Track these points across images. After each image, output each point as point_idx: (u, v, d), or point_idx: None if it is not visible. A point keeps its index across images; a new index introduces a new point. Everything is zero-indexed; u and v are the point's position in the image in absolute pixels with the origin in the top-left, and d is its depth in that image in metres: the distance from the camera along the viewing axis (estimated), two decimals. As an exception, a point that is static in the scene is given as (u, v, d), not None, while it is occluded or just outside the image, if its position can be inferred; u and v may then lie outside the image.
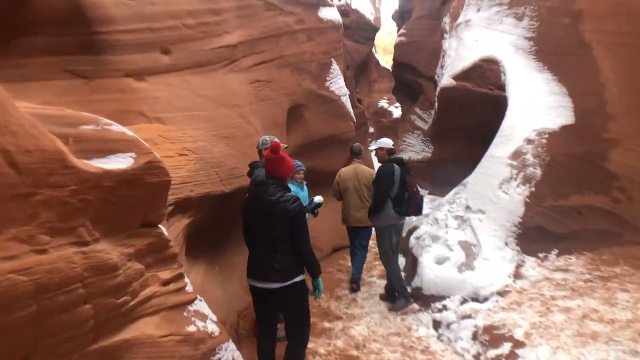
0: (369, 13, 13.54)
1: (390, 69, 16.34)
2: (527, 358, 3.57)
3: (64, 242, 1.67)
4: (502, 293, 4.61)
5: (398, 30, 14.42)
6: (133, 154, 2.10)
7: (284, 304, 3.38)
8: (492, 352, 3.81)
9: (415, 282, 5.18)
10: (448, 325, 4.47)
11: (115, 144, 2.06)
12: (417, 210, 5.21)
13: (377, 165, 5.72)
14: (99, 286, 1.82)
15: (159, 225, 2.41)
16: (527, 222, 5.31)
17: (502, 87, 6.72)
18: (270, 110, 6.09)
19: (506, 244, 5.20)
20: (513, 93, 6.36)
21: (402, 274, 5.64)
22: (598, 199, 5.52)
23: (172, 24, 4.76)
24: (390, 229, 5.16)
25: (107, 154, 2.00)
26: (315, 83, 7.26)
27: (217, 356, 2.48)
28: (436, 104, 9.07)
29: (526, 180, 5.50)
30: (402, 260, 6.07)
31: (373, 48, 18.24)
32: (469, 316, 4.40)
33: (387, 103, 20.07)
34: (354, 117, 8.25)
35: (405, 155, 11.26)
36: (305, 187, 5.09)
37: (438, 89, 8.78)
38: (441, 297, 4.83)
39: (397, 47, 13.23)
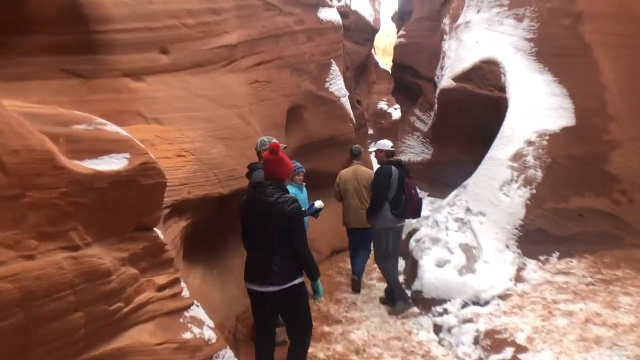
0: (368, 14, 13.49)
1: (390, 71, 16.30)
2: (530, 363, 3.52)
3: (53, 247, 1.61)
4: (503, 296, 4.56)
5: (397, 32, 14.38)
6: (127, 155, 2.03)
7: (283, 308, 3.33)
8: (494, 357, 3.75)
9: (416, 285, 5.13)
10: (449, 330, 4.41)
11: (109, 144, 1.99)
12: (416, 213, 5.16)
13: (377, 167, 5.68)
14: (90, 293, 1.76)
15: (155, 229, 2.34)
16: (528, 225, 5.26)
17: (502, 89, 6.68)
18: (270, 111, 6.04)
19: (507, 246, 5.15)
20: (513, 94, 6.32)
21: (402, 276, 5.59)
22: (599, 201, 5.48)
23: (171, 23, 4.71)
24: (388, 231, 5.11)
25: (100, 154, 1.93)
26: (314, 84, 7.22)
27: (214, 363, 2.42)
28: (436, 105, 9.03)
29: (527, 182, 5.46)
30: (402, 263, 6.02)
31: (372, 49, 18.20)
32: (470, 320, 4.34)
33: (387, 105, 20.05)
34: (354, 119, 8.20)
35: (404, 157, 11.22)
36: (304, 189, 5.04)
37: (438, 90, 8.73)
38: (442, 301, 4.77)
39: (397, 48, 13.19)
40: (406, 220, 5.39)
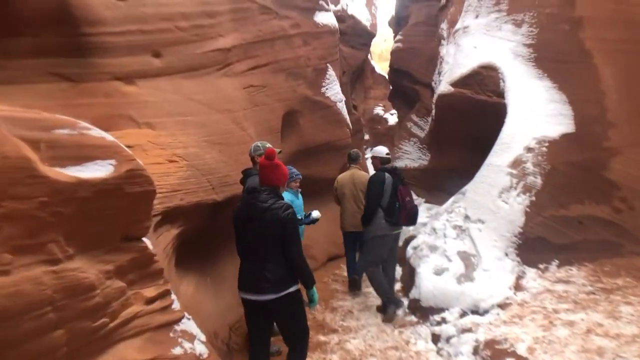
0: (365, 19, 13.49)
1: (386, 76, 16.27)
2: (532, 376, 3.43)
3: (30, 261, 1.50)
4: (502, 305, 4.47)
5: (395, 37, 14.36)
6: (113, 162, 1.92)
7: (279, 316, 3.23)
8: (495, 369, 3.66)
9: (413, 294, 5.03)
10: (448, 339, 4.31)
11: (94, 150, 1.88)
12: (410, 221, 5.08)
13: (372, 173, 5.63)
14: (72, 309, 1.65)
15: (143, 239, 2.23)
16: (527, 232, 5.19)
17: (501, 94, 6.62)
18: (265, 116, 5.95)
19: (506, 254, 5.06)
20: (512, 100, 6.26)
21: (399, 284, 5.49)
22: (599, 208, 5.42)
23: (164, 26, 4.62)
24: (383, 238, 5.03)
25: (83, 161, 1.82)
26: (310, 89, 7.13)
27: (205, 380, 2.31)
28: (433, 111, 8.97)
29: (526, 189, 5.39)
30: (399, 270, 5.93)
31: (369, 54, 18.20)
32: (469, 330, 4.25)
33: (383, 110, 20.03)
34: (350, 124, 8.13)
35: (401, 163, 11.16)
36: (300, 196, 4.96)
37: (435, 95, 8.68)
38: (440, 310, 4.68)
39: (394, 53, 13.16)
40: (403, 228, 5.31)
